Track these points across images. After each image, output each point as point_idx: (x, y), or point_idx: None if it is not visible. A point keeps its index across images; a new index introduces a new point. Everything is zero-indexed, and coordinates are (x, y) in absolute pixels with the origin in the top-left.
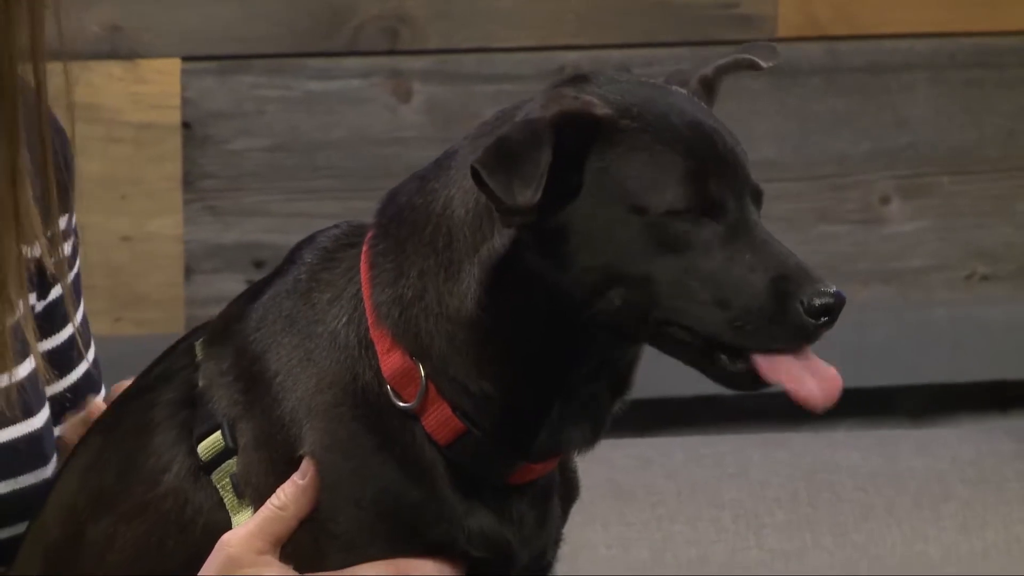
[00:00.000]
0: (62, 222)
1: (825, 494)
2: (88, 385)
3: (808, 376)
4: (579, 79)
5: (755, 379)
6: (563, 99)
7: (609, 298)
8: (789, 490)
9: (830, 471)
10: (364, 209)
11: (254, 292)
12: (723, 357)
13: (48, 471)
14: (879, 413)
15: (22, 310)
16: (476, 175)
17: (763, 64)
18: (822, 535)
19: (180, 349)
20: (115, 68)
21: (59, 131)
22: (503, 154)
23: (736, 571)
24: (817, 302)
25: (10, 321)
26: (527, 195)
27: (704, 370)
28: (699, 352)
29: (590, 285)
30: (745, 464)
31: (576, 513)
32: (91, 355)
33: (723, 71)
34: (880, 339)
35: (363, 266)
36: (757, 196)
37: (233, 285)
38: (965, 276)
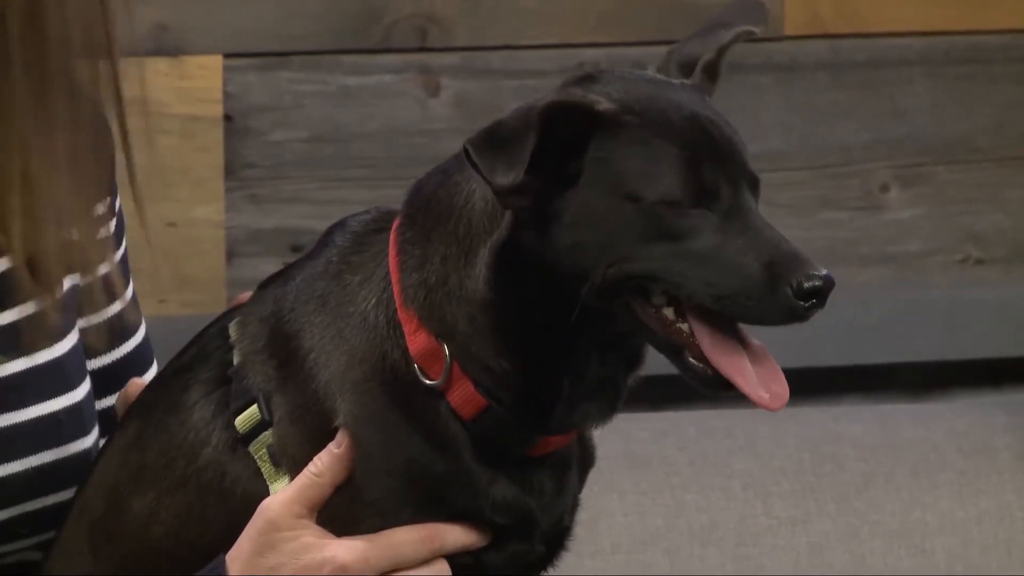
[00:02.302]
0: (102, 207)
1: (828, 465)
2: (140, 359)
3: (761, 385)
4: (587, 78)
5: (717, 381)
6: (565, 95)
7: (596, 277)
8: (794, 461)
9: (833, 443)
10: (395, 196)
11: (287, 274)
12: (691, 358)
13: (89, 441)
14: (879, 388)
15: (64, 289)
16: (468, 155)
17: (757, 30)
18: (825, 503)
19: (212, 331)
20: (162, 64)
21: (99, 118)
22: (493, 137)
23: (745, 537)
24: (806, 285)
25: (52, 301)
26: (510, 177)
27: (674, 364)
28: (670, 347)
29: (581, 265)
30: (753, 437)
31: (595, 482)
32: (142, 331)
33: (724, 50)
34: (879, 319)
35: (391, 251)
36: (754, 184)
37: (272, 268)
38: (959, 259)
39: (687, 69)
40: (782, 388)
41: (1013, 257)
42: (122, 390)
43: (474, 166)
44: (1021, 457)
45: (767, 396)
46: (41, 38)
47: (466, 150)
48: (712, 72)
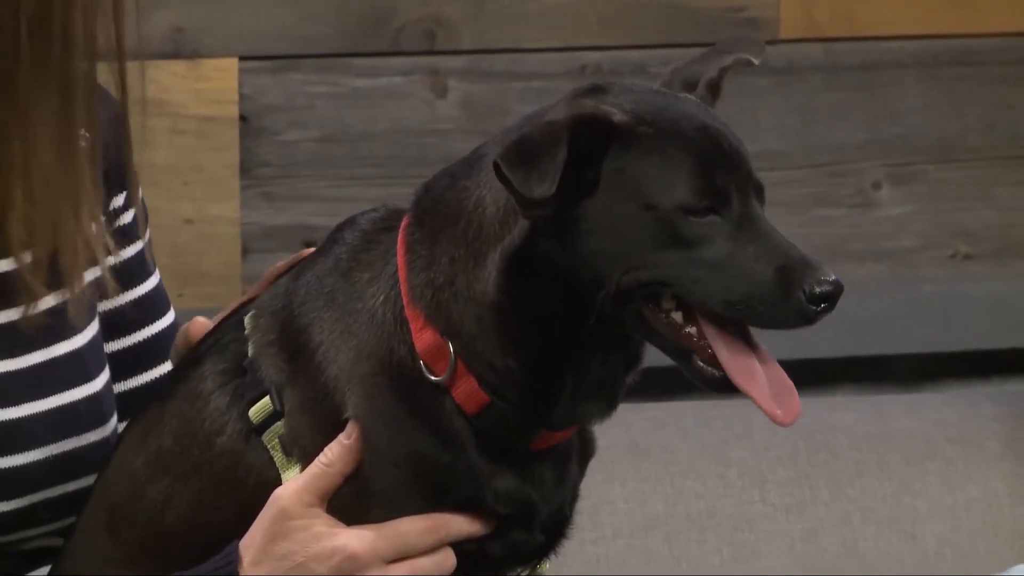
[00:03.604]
0: (120, 198)
1: (823, 453)
2: (168, 343)
3: (774, 399)
4: (597, 89)
5: (725, 384)
6: (583, 107)
7: (612, 284)
8: (790, 449)
9: (827, 432)
10: (405, 195)
11: (299, 270)
12: (699, 361)
13: (108, 430)
14: (872, 379)
15: (84, 281)
16: (498, 169)
17: (756, 61)
18: (820, 490)
19: (230, 323)
20: (179, 67)
21: (115, 116)
22: (523, 151)
23: (741, 523)
24: (818, 290)
25: (69, 294)
26: (543, 188)
27: (682, 367)
28: (678, 351)
29: (598, 271)
30: (750, 426)
31: (597, 471)
32: (171, 316)
33: (725, 71)
34: (873, 312)
35: (399, 251)
36: (759, 191)
37: None
38: (949, 255)
39: (690, 87)
40: (794, 402)
41: (1002, 253)
42: (185, 326)
43: (505, 180)
44: (1008, 446)
45: (780, 412)
46: (48, 36)
47: (496, 165)
48: (714, 89)
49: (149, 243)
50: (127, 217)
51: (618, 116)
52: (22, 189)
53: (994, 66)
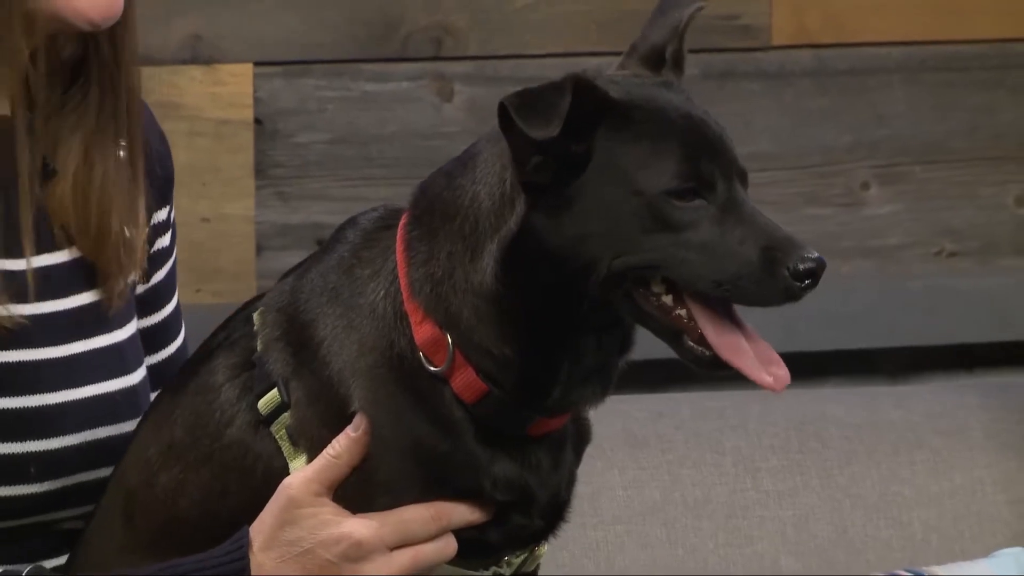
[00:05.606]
0: (162, 214)
1: (814, 442)
2: (180, 360)
3: (763, 368)
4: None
5: (715, 362)
6: (582, 74)
7: (603, 268)
8: (782, 439)
9: (818, 422)
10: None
11: (304, 267)
12: (690, 341)
13: None
14: (861, 372)
15: (127, 283)
16: (504, 112)
17: (704, 4)
18: (811, 478)
19: (240, 318)
20: (196, 72)
21: (159, 132)
22: (528, 97)
23: (735, 509)
24: (802, 267)
25: (118, 291)
26: (548, 129)
27: (673, 348)
28: (670, 333)
29: (590, 256)
30: (744, 416)
31: (597, 460)
32: (182, 336)
33: (684, 34)
34: (861, 307)
35: (398, 247)
36: (743, 176)
37: (298, 261)
38: (935, 252)
39: (652, 61)
40: (782, 370)
41: (985, 250)
42: None
43: (509, 124)
44: (992, 436)
45: (770, 379)
46: (119, 46)
47: (502, 109)
48: (679, 59)
49: (175, 264)
50: (165, 240)
51: (615, 93)
52: (71, 187)
53: (977, 71)
